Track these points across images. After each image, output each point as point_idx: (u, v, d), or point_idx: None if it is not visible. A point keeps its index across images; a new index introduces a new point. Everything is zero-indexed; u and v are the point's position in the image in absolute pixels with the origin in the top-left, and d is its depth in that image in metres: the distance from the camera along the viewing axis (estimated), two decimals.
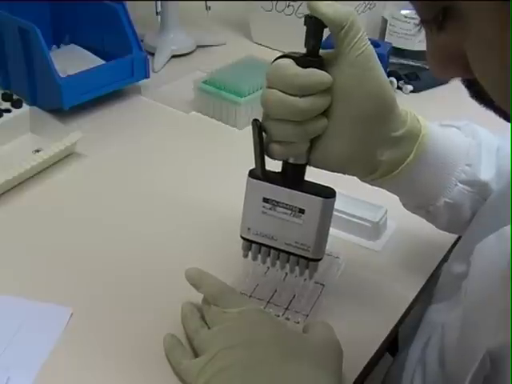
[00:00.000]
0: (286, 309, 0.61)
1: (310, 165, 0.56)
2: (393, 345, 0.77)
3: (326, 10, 0.51)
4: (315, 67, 0.52)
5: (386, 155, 0.55)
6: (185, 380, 0.54)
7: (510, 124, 0.43)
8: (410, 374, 0.59)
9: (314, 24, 0.52)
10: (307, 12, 0.52)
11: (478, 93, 0.40)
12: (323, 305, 0.63)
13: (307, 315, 0.61)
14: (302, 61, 0.52)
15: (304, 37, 0.53)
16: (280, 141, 0.54)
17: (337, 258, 0.68)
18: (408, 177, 0.57)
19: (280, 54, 0.54)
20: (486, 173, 0.60)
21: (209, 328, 0.57)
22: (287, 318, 0.60)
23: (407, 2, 0.41)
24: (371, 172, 0.56)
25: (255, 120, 0.54)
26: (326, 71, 0.52)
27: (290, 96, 0.51)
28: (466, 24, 0.36)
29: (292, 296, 0.62)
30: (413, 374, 0.59)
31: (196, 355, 0.56)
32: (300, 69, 0.52)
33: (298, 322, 0.60)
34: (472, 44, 0.37)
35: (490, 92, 0.38)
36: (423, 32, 0.41)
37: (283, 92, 0.52)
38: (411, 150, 0.56)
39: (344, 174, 0.57)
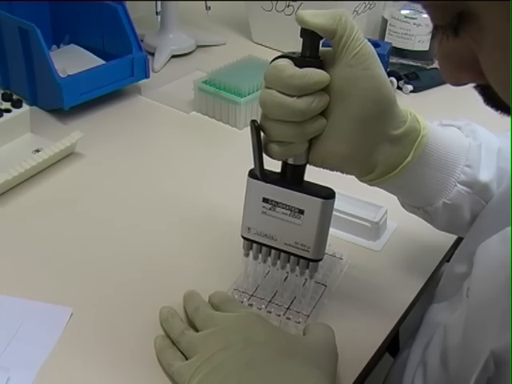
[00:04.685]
0: (288, 309, 0.61)
1: (308, 163, 0.56)
2: (393, 345, 0.77)
3: (315, 21, 0.50)
4: (313, 67, 0.52)
5: (384, 154, 0.55)
6: (177, 382, 0.53)
7: (510, 124, 0.43)
8: (411, 374, 0.59)
9: (311, 36, 0.51)
10: None
11: (492, 98, 0.40)
12: (324, 305, 0.63)
13: (308, 315, 0.61)
14: (300, 61, 0.52)
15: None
16: (279, 141, 0.54)
17: (340, 258, 0.68)
18: (406, 177, 0.56)
19: (279, 53, 0.53)
20: (486, 174, 0.59)
21: (197, 331, 0.57)
22: (288, 318, 0.60)
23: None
24: (369, 172, 0.56)
25: (253, 121, 0.54)
26: (324, 70, 0.52)
27: (288, 97, 0.51)
28: (481, 28, 0.35)
29: (293, 296, 0.62)
30: (414, 374, 0.59)
31: (184, 357, 0.55)
32: (297, 69, 0.51)
33: (299, 322, 0.60)
34: (486, 48, 0.36)
35: (504, 96, 0.37)
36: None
37: (281, 93, 0.51)
38: (410, 150, 0.56)
39: (342, 172, 0.57)
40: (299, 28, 0.52)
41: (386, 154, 0.55)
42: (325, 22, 0.50)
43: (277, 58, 0.53)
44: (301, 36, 0.52)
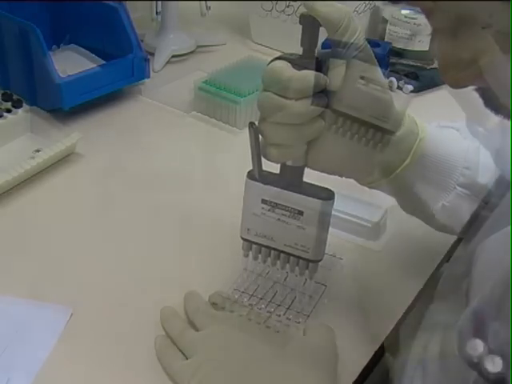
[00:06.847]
0: (288, 309, 0.61)
1: (306, 167, 0.56)
2: (393, 345, 0.77)
3: (323, 9, 0.50)
4: (311, 69, 0.51)
5: (382, 157, 0.55)
6: (177, 382, 0.54)
7: (510, 125, 0.43)
8: (411, 374, 0.59)
9: (310, 23, 0.51)
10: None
11: (492, 102, 0.40)
12: (324, 305, 0.63)
13: (308, 315, 0.61)
14: (298, 63, 0.52)
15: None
16: (277, 144, 0.53)
17: (340, 258, 0.68)
18: (405, 180, 0.56)
19: (280, 54, 0.53)
20: (485, 175, 0.59)
21: (197, 330, 0.57)
22: (288, 318, 0.60)
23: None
24: (368, 175, 0.56)
25: (251, 123, 0.54)
26: (322, 72, 0.52)
27: (286, 99, 0.51)
28: (479, 30, 0.35)
29: (294, 296, 0.62)
30: (413, 374, 0.59)
31: (184, 357, 0.55)
32: (295, 71, 0.51)
33: (299, 322, 0.60)
34: (485, 51, 0.36)
35: (504, 99, 0.37)
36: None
37: (279, 95, 0.51)
38: (408, 152, 0.56)
39: (341, 176, 0.56)
40: (299, 28, 0.52)
41: (385, 157, 0.55)
42: (331, 12, 0.50)
43: (274, 60, 0.52)
44: (300, 22, 0.52)
